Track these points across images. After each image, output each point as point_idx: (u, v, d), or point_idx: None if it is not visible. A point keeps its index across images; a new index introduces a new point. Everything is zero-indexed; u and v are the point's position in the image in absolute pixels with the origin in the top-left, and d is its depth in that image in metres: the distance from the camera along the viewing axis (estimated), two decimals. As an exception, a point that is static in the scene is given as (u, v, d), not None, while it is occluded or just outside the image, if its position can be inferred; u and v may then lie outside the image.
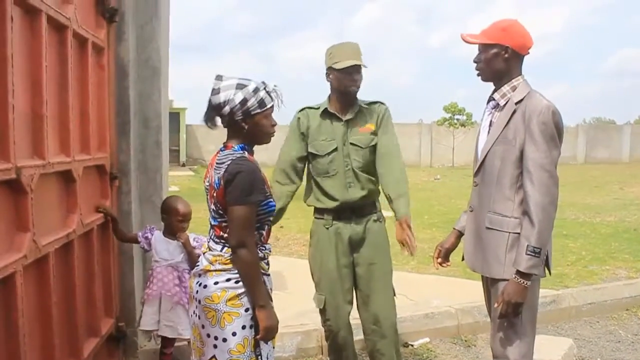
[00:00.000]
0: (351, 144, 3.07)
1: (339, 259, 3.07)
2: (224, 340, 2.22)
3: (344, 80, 3.00)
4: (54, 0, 2.37)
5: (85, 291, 2.84)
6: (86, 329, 2.84)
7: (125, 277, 3.43)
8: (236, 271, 2.25)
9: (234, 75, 2.28)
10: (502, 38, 2.46)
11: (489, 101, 2.59)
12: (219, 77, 2.28)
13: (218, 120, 2.31)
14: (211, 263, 2.28)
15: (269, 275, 2.38)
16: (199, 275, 2.31)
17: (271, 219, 2.38)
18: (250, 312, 2.23)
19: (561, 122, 2.42)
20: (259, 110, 2.26)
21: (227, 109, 2.23)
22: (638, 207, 11.84)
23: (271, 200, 2.33)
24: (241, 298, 2.22)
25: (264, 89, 2.28)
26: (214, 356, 2.25)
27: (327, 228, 3.09)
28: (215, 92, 2.24)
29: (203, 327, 2.27)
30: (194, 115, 34.22)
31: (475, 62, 2.57)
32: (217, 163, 2.26)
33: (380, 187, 3.15)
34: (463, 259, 2.69)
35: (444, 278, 5.97)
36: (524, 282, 2.32)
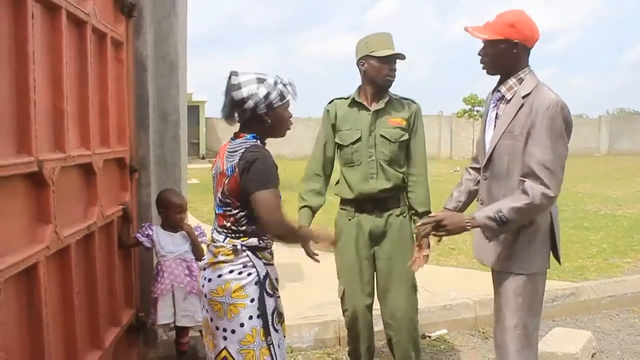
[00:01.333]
0: (381, 135, 3.05)
1: (359, 251, 3.08)
2: (233, 331, 2.27)
3: (383, 70, 3.00)
4: (73, -3, 2.41)
5: (105, 282, 2.89)
6: (107, 319, 2.90)
7: (145, 268, 3.48)
8: (239, 262, 2.29)
9: (247, 71, 2.31)
10: (511, 33, 2.41)
11: (493, 92, 2.57)
12: (234, 73, 2.31)
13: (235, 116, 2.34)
14: (214, 255, 2.33)
15: (272, 264, 2.41)
16: (204, 269, 2.37)
17: None
18: (255, 302, 2.27)
19: (570, 117, 2.39)
20: (280, 103, 2.32)
21: (250, 103, 2.27)
22: (661, 199, 11.67)
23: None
24: (245, 289, 2.26)
25: (281, 82, 2.32)
26: (225, 348, 2.30)
27: (349, 219, 3.11)
28: (236, 87, 2.27)
29: (212, 320, 2.33)
30: (213, 108, 34.39)
31: (480, 55, 2.54)
32: (228, 151, 2.31)
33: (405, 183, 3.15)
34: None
35: (462, 270, 5.97)
36: (468, 224, 2.40)
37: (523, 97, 2.41)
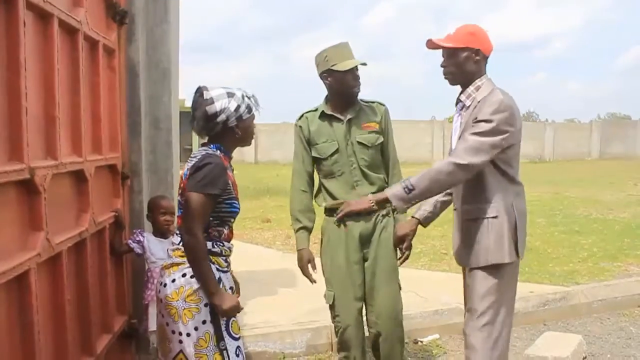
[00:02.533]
0: (358, 142, 3.09)
1: (349, 256, 3.09)
2: (188, 335, 2.32)
3: (349, 82, 3.04)
4: (65, 4, 2.43)
5: (97, 288, 2.89)
6: (99, 326, 2.90)
7: (137, 274, 3.48)
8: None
9: (215, 85, 2.43)
10: (472, 42, 2.58)
11: (457, 103, 2.70)
12: (205, 88, 2.41)
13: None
14: (170, 257, 2.40)
15: (226, 272, 2.45)
16: (161, 275, 2.42)
17: (233, 219, 2.47)
18: (208, 306, 2.31)
19: (513, 116, 2.52)
20: (248, 115, 2.45)
21: (223, 116, 2.38)
22: (653, 203, 11.75)
23: (236, 202, 2.42)
24: (198, 293, 2.30)
25: (246, 95, 2.44)
26: (180, 351, 2.34)
27: (338, 226, 3.11)
28: (209, 101, 2.37)
29: (167, 324, 2.37)
30: (206, 115, 34.19)
31: (443, 66, 2.67)
32: (190, 157, 2.41)
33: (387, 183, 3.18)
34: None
35: (454, 275, 5.97)
36: (372, 202, 2.69)
37: (479, 102, 2.55)
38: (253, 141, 2.65)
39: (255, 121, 2.53)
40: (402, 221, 3.12)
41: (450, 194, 2.85)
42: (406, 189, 2.52)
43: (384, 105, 3.24)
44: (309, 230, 3.20)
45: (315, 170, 3.24)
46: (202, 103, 2.37)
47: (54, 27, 2.26)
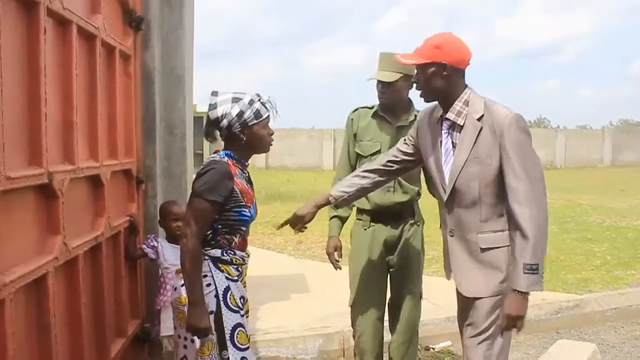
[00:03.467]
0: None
1: (372, 261, 3.11)
2: (192, 340, 2.31)
3: (377, 91, 3.11)
4: (83, 11, 2.46)
5: (112, 292, 2.92)
6: (113, 330, 2.92)
7: (150, 278, 3.50)
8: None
9: (229, 90, 2.40)
10: (437, 55, 2.34)
11: (440, 122, 2.46)
12: (214, 93, 2.39)
13: (217, 133, 2.42)
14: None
15: (236, 281, 2.39)
16: (173, 278, 2.42)
17: (244, 228, 2.41)
18: (213, 315, 2.28)
19: (527, 125, 2.37)
20: (255, 121, 2.37)
21: (225, 122, 2.34)
22: (663, 211, 11.65)
23: (245, 210, 2.37)
24: (205, 300, 2.26)
25: (259, 100, 2.38)
26: (184, 356, 2.36)
27: (365, 229, 3.15)
28: (212, 107, 2.36)
29: (175, 328, 2.36)
30: (217, 120, 34.31)
31: (414, 82, 2.53)
32: (201, 166, 2.37)
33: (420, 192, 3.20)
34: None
35: (466, 282, 5.95)
36: (524, 297, 2.26)
37: (478, 120, 2.33)
38: None
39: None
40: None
41: (375, 183, 2.74)
42: (531, 271, 2.23)
43: None
44: (342, 219, 3.21)
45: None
46: (208, 108, 2.37)
47: (73, 33, 2.30)
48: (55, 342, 2.10)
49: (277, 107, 2.46)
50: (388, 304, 3.20)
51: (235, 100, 2.34)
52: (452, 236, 2.47)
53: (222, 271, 2.35)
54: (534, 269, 2.23)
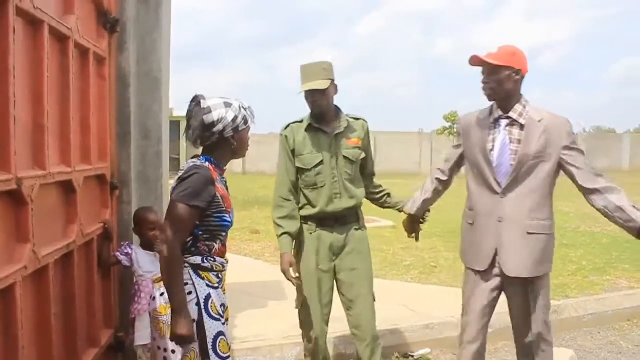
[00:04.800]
0: (344, 157, 3.20)
1: (319, 264, 3.20)
2: (173, 351, 2.30)
3: (307, 102, 3.17)
4: (56, 11, 2.39)
5: (84, 301, 2.83)
6: (86, 340, 2.83)
7: (125, 286, 3.41)
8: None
9: (211, 94, 2.37)
10: (513, 62, 2.76)
11: (497, 120, 2.86)
12: (202, 97, 2.34)
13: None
14: (157, 270, 2.35)
15: (217, 288, 2.36)
16: (151, 287, 2.37)
17: (224, 233, 2.40)
18: (194, 324, 2.24)
19: None
20: (244, 127, 2.39)
21: (220, 126, 2.31)
22: (638, 217, 11.82)
23: (226, 216, 2.35)
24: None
25: (243, 106, 2.39)
26: None
27: (311, 233, 3.23)
28: (206, 110, 2.30)
29: (154, 339, 2.31)
30: (194, 124, 34.09)
31: (484, 82, 2.83)
32: (180, 169, 2.34)
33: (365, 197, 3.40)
34: (482, 271, 2.91)
35: (445, 288, 5.96)
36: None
37: (538, 122, 2.76)
38: None
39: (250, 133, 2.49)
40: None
41: (437, 192, 3.28)
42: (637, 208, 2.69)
43: (366, 121, 3.35)
44: (291, 235, 3.24)
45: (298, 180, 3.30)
46: (199, 112, 2.30)
47: (45, 34, 2.22)
48: (23, 354, 2.01)
49: (255, 114, 2.47)
50: (344, 309, 3.29)
51: (227, 105, 2.34)
52: (501, 222, 2.81)
53: (202, 279, 2.31)
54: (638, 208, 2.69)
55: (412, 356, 4.21)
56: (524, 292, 2.84)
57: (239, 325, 4.45)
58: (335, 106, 3.24)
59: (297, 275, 3.17)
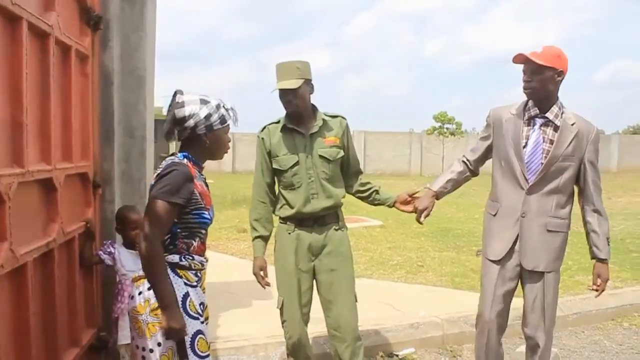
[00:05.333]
0: (320, 156, 3.18)
1: (297, 263, 3.19)
2: (151, 350, 2.25)
3: (281, 102, 3.14)
4: (35, 7, 2.36)
5: (65, 301, 2.80)
6: (66, 339, 2.81)
7: (108, 285, 3.39)
8: None
9: (194, 92, 2.37)
10: (557, 63, 2.86)
11: (532, 118, 2.98)
12: (179, 92, 2.34)
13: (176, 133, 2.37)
14: (140, 269, 2.29)
15: (195, 286, 2.35)
16: (129, 286, 2.36)
17: (203, 231, 2.39)
18: None
19: None
20: (220, 126, 2.37)
21: (191, 122, 2.30)
22: (625, 217, 11.92)
23: (205, 213, 2.34)
24: None
25: (223, 106, 2.38)
26: None
27: (289, 233, 3.22)
28: (179, 105, 2.31)
29: (133, 338, 2.31)
30: (184, 123, 34.00)
31: (526, 81, 2.92)
32: (158, 167, 2.33)
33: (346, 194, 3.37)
34: (497, 261, 3.06)
35: (431, 288, 5.98)
36: (607, 263, 3.04)
37: (572, 125, 2.93)
38: (231, 150, 2.59)
39: (231, 132, 2.48)
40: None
41: (463, 178, 3.32)
42: (609, 243, 3.06)
43: (345, 118, 3.32)
44: (264, 239, 3.29)
45: (275, 182, 3.31)
46: (173, 106, 2.31)
47: (23, 30, 2.19)
48: (0, 354, 1.99)
49: (238, 116, 2.46)
50: (323, 309, 3.27)
51: (203, 102, 2.32)
52: (524, 217, 2.97)
53: (180, 277, 2.30)
54: (609, 242, 3.04)
55: (397, 355, 4.21)
56: (540, 285, 3.01)
57: (223, 324, 4.44)
58: (312, 105, 3.22)
59: (267, 280, 3.22)
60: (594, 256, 3.06)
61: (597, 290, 3.12)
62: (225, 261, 7.02)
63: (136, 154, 3.56)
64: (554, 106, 2.94)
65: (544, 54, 2.86)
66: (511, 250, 3.01)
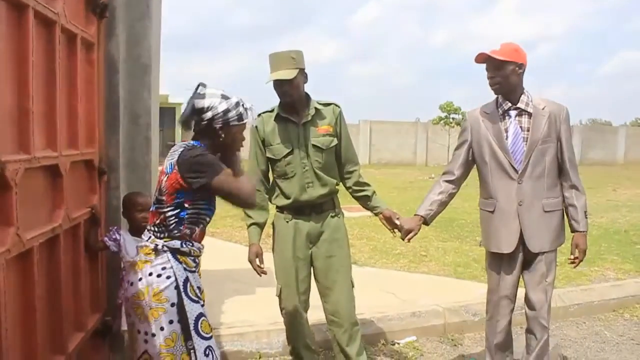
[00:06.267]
0: (313, 145, 3.20)
1: (295, 251, 3.23)
2: (153, 335, 2.33)
3: (276, 92, 3.16)
4: (42, -4, 2.38)
5: (71, 285, 2.84)
6: (71, 324, 2.85)
7: (113, 271, 3.43)
8: (158, 263, 2.36)
9: (217, 87, 2.47)
10: (516, 57, 3.03)
11: (506, 111, 3.13)
12: (203, 85, 2.44)
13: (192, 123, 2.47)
14: (137, 254, 2.43)
15: (193, 272, 2.45)
16: (128, 273, 2.46)
17: (208, 219, 2.50)
18: (175, 307, 2.33)
19: None
20: (237, 123, 2.45)
21: (209, 114, 2.39)
22: (630, 209, 11.91)
23: (213, 201, 2.46)
24: (165, 293, 2.33)
25: (243, 105, 2.46)
26: (145, 351, 2.36)
27: (287, 222, 3.25)
28: (200, 96, 2.40)
29: (134, 324, 2.35)
30: (190, 111, 34.07)
31: (491, 77, 3.08)
32: (170, 152, 2.43)
33: (341, 185, 3.39)
34: (500, 251, 3.16)
35: (434, 277, 6.01)
36: (586, 234, 3.18)
37: (542, 109, 3.09)
38: None
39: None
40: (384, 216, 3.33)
41: (447, 195, 3.34)
42: (587, 216, 3.19)
43: (338, 106, 3.32)
44: (260, 226, 3.30)
45: (269, 170, 3.33)
46: (194, 96, 2.40)
47: (30, 18, 2.21)
48: (6, 337, 2.03)
49: (254, 115, 2.60)
50: (321, 296, 3.32)
51: (224, 97, 2.41)
52: (521, 205, 3.09)
53: (180, 263, 2.39)
54: (586, 215, 3.17)
55: (398, 343, 4.25)
56: (542, 266, 3.14)
57: (226, 311, 4.48)
58: (306, 94, 3.24)
59: (263, 266, 3.25)
60: (573, 229, 3.19)
61: (574, 263, 3.24)
62: (230, 248, 7.06)
63: (141, 141, 3.58)
64: (522, 96, 3.10)
65: (503, 50, 3.02)
66: (519, 240, 3.11)
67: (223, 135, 2.42)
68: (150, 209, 2.52)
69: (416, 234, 3.30)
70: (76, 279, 2.94)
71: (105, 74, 3.27)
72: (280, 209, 3.29)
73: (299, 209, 3.23)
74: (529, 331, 3.25)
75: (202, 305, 2.43)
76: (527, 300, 3.21)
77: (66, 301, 2.74)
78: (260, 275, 3.27)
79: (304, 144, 3.18)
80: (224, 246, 7.11)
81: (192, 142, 2.43)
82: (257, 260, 3.23)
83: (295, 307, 3.24)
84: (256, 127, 3.26)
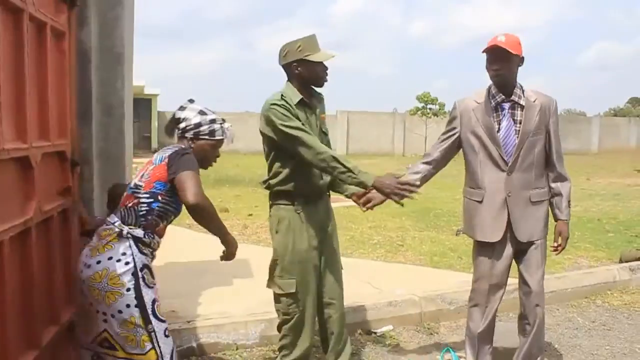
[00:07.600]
0: (322, 131, 3.24)
1: (310, 241, 3.15)
2: (112, 315, 2.47)
3: (319, 73, 3.12)
4: (8, -17, 2.32)
5: (44, 279, 2.80)
6: (45, 318, 2.81)
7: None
8: (119, 249, 2.50)
9: (205, 105, 2.79)
10: (520, 50, 3.09)
11: (499, 104, 3.17)
12: (191, 100, 2.77)
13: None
14: (100, 238, 2.56)
15: (151, 261, 2.66)
16: (85, 255, 2.58)
17: (173, 217, 2.69)
18: (131, 291, 2.46)
19: None
20: (207, 137, 2.73)
21: (183, 124, 2.71)
22: (603, 198, 12.13)
23: (181, 202, 2.57)
24: (121, 278, 2.46)
25: (220, 123, 2.74)
26: (105, 330, 2.51)
27: (299, 213, 3.14)
28: (182, 108, 2.76)
29: (91, 304, 2.51)
30: (166, 102, 33.94)
31: (496, 69, 3.09)
32: (164, 148, 2.69)
33: None
34: (491, 240, 3.23)
35: (410, 266, 6.06)
36: (568, 222, 3.29)
37: (534, 102, 3.14)
38: None
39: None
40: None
41: (425, 173, 3.38)
42: (570, 205, 3.29)
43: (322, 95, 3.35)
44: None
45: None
46: (178, 108, 2.75)
47: (-5, 6, 2.16)
48: (-24, 331, 2.00)
49: (232, 136, 2.84)
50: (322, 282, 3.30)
51: (201, 112, 2.72)
52: (510, 196, 3.16)
53: (140, 252, 2.54)
54: (569, 203, 3.28)
55: (375, 333, 4.28)
56: (536, 253, 3.25)
57: (203, 302, 4.47)
58: None
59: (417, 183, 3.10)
60: (556, 218, 3.30)
61: (557, 250, 3.35)
62: (206, 240, 6.98)
63: (114, 132, 3.55)
64: (515, 88, 3.16)
65: (508, 42, 3.03)
66: (507, 230, 3.19)
67: (192, 147, 2.69)
68: (126, 192, 2.66)
69: (377, 203, 3.12)
70: (50, 272, 2.89)
71: (77, 63, 3.21)
72: (289, 197, 3.12)
73: (308, 197, 3.14)
74: (523, 317, 3.37)
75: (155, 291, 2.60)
76: (524, 285, 3.31)
77: (39, 295, 2.69)
78: (410, 197, 2.99)
79: (317, 128, 3.19)
80: (201, 237, 7.05)
81: (176, 147, 2.67)
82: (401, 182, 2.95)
83: (313, 298, 3.16)
84: (288, 104, 3.00)
